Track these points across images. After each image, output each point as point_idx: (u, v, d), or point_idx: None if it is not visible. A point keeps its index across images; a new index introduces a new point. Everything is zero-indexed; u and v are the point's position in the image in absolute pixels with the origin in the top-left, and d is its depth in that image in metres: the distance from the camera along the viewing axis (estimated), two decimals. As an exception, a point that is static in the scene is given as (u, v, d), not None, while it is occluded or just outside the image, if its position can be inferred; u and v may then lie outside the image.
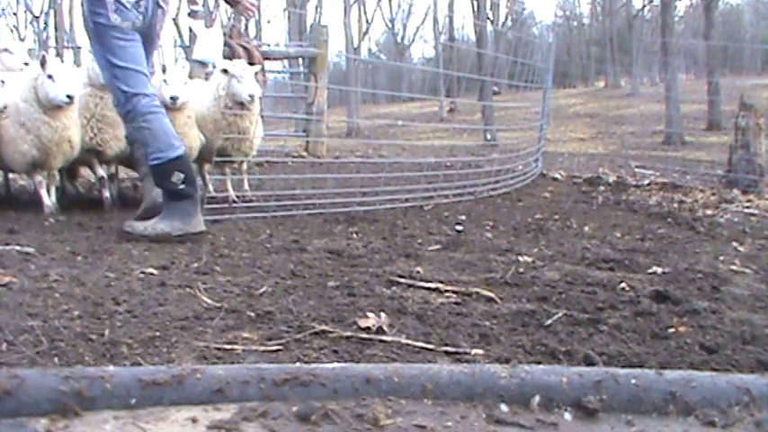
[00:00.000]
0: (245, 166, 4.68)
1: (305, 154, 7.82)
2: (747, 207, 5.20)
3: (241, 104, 4.22)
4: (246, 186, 4.63)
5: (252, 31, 29.69)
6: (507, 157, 6.74)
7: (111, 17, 2.90)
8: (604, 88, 35.13)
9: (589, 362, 1.64)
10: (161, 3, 3.10)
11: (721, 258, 3.12)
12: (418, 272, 2.57)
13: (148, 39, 3.11)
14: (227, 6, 3.62)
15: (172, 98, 3.93)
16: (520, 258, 2.94)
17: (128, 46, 2.95)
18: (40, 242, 2.90)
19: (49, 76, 3.49)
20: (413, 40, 49.35)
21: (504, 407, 1.27)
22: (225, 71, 4.25)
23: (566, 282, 2.52)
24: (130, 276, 2.35)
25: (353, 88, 21.74)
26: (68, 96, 3.48)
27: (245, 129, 4.31)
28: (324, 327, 1.83)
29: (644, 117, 19.92)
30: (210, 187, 4.72)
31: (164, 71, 4.05)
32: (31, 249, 2.71)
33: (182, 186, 2.94)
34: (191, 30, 7.38)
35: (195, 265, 2.59)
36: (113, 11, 2.90)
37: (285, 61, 8.77)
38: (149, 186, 3.25)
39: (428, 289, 2.33)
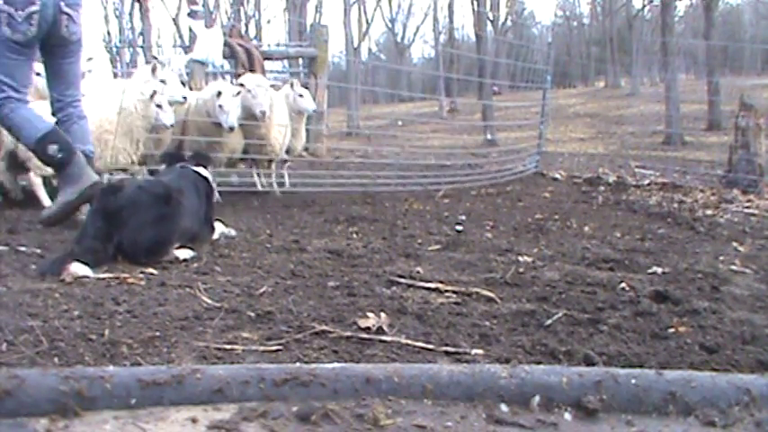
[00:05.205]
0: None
1: (304, 154, 7.82)
2: (747, 207, 5.19)
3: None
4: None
5: (252, 31, 29.71)
6: (506, 150, 7.06)
7: (3, 29, 3.20)
8: (604, 88, 35.04)
9: (589, 362, 1.64)
10: (65, 9, 3.32)
11: (721, 258, 3.12)
12: (418, 272, 2.57)
13: (55, 42, 3.37)
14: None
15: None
16: (520, 258, 2.94)
17: (9, 58, 3.27)
18: (40, 242, 2.90)
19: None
20: (413, 40, 49.23)
21: (504, 407, 1.27)
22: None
23: (566, 282, 2.52)
24: (130, 276, 2.35)
25: (353, 85, 21.64)
26: None
27: (261, 135, 4.93)
28: (324, 327, 1.83)
29: (644, 117, 19.87)
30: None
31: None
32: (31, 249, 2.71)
33: (60, 155, 3.28)
34: (191, 30, 7.38)
35: (195, 265, 2.59)
36: (5, 24, 3.20)
37: (285, 61, 8.77)
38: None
39: (428, 289, 2.33)
